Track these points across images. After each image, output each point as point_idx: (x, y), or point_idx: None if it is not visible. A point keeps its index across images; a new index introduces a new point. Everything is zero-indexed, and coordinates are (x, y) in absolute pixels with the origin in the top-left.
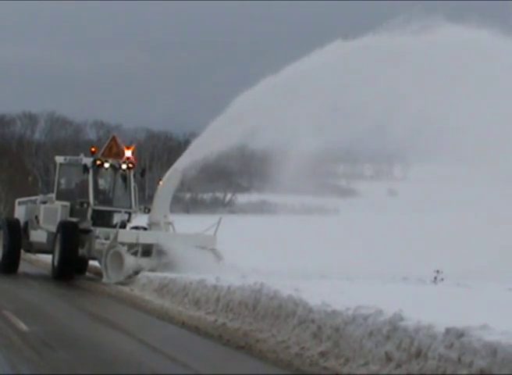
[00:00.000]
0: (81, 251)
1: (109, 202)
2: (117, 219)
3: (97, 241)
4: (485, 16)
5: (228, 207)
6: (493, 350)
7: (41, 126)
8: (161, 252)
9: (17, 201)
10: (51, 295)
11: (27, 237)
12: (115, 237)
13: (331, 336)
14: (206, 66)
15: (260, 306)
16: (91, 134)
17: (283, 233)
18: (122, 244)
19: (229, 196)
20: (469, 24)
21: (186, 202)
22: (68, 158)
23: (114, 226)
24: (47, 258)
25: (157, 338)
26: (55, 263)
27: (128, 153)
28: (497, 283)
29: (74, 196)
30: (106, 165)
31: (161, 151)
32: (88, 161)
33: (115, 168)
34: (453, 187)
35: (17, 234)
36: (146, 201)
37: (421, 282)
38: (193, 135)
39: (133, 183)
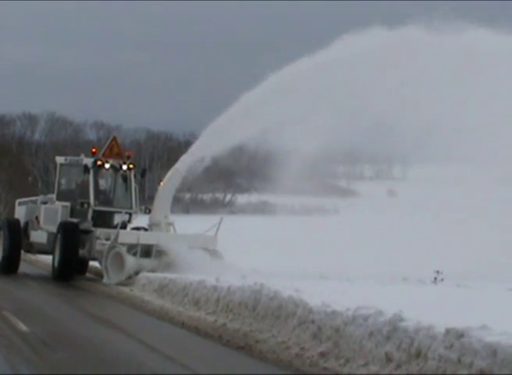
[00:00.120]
0: (81, 252)
1: (110, 203)
2: (118, 219)
3: (98, 241)
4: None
5: (228, 207)
6: (493, 350)
7: (41, 126)
8: (161, 253)
9: (17, 201)
10: (50, 296)
11: (27, 237)
12: (116, 238)
13: (331, 336)
14: (206, 66)
15: (260, 307)
16: (91, 135)
17: (283, 234)
18: (123, 244)
19: (228, 196)
20: (499, 29)
21: (186, 203)
22: (68, 158)
23: (114, 227)
24: (46, 258)
25: (156, 339)
26: (56, 264)
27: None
28: (497, 284)
29: (75, 196)
30: (107, 165)
31: (161, 151)
32: (89, 161)
33: (115, 168)
34: (452, 188)
35: (17, 235)
36: (146, 202)
37: (421, 282)
38: (193, 135)
39: (133, 184)
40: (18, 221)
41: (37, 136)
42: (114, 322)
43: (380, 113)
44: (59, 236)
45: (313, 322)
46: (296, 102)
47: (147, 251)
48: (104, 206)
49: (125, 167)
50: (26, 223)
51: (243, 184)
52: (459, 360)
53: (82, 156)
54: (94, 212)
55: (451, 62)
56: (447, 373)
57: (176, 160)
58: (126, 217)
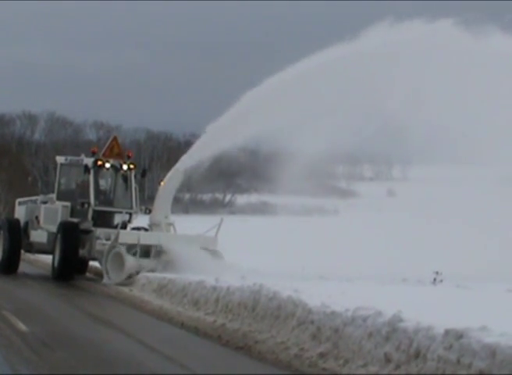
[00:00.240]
0: (82, 252)
1: (110, 203)
2: (118, 219)
3: (98, 241)
4: None
5: (227, 208)
6: (492, 351)
7: (41, 126)
8: (161, 253)
9: (17, 201)
10: (50, 295)
11: (27, 237)
12: (116, 238)
13: (330, 337)
14: (206, 66)
15: (259, 307)
16: (91, 135)
17: (283, 234)
18: (123, 244)
19: (228, 197)
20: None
21: (186, 203)
22: (69, 158)
23: (115, 227)
24: (46, 258)
25: (156, 339)
26: (56, 264)
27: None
28: (497, 285)
29: (75, 196)
30: (107, 165)
31: (161, 151)
32: (89, 161)
33: (116, 168)
34: (452, 189)
35: (17, 234)
36: (146, 202)
37: (421, 283)
38: (193, 135)
39: (134, 184)
40: (18, 221)
41: (36, 136)
42: (113, 322)
43: (389, 114)
44: (59, 236)
45: (312, 322)
46: (300, 103)
47: (147, 252)
48: (105, 206)
49: (125, 167)
50: (26, 223)
51: (243, 185)
52: (458, 361)
53: (82, 156)
54: (95, 212)
55: (474, 65)
56: (446, 373)
57: (175, 160)
58: (127, 217)
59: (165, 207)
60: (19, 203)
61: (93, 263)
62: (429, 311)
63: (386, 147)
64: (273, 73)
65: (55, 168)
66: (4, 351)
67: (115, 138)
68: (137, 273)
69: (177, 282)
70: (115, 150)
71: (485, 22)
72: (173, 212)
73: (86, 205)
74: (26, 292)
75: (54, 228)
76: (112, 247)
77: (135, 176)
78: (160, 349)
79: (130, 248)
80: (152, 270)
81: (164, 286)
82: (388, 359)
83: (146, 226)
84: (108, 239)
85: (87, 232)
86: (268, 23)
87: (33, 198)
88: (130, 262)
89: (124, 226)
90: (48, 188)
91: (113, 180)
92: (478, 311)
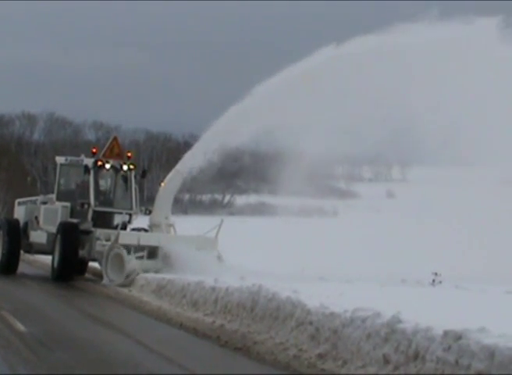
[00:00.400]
0: (81, 253)
1: (110, 203)
2: (118, 220)
3: (98, 242)
4: None
5: (226, 208)
6: (491, 353)
7: (40, 126)
8: (164, 254)
9: (17, 201)
10: (49, 296)
11: (27, 237)
12: (116, 239)
13: (329, 338)
14: (205, 66)
15: (258, 308)
16: (90, 135)
17: (282, 235)
18: (125, 246)
19: (227, 197)
20: None
21: (185, 203)
22: (69, 158)
23: (115, 228)
24: (45, 258)
25: (155, 339)
26: (55, 264)
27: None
28: (496, 286)
29: (75, 197)
30: (107, 166)
31: (161, 152)
32: (89, 162)
33: (116, 169)
34: (452, 190)
35: (17, 235)
36: (145, 203)
37: (420, 284)
38: (193, 136)
39: (134, 185)
40: (17, 221)
41: (36, 136)
42: (112, 322)
43: (396, 116)
44: (59, 236)
45: (311, 323)
46: (304, 103)
47: (152, 253)
48: (105, 207)
49: (125, 168)
50: (26, 223)
51: (242, 185)
52: (457, 362)
53: (82, 156)
54: (94, 212)
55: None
56: (445, 374)
57: (175, 161)
58: (126, 218)
59: (165, 208)
60: (19, 203)
61: (91, 264)
62: (428, 312)
63: (386, 148)
64: (274, 73)
65: (55, 168)
66: (2, 351)
67: (115, 138)
68: (138, 273)
69: (176, 283)
70: (116, 150)
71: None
72: (172, 212)
73: (86, 206)
74: (25, 292)
75: (53, 229)
76: (112, 248)
77: (135, 177)
78: (159, 350)
79: (136, 250)
80: (157, 272)
81: (163, 287)
82: (387, 360)
83: (146, 226)
84: (108, 240)
85: (87, 233)
86: (268, 23)
87: (33, 198)
88: (130, 263)
89: (124, 226)
90: (46, 188)
91: (113, 181)
92: (477, 312)
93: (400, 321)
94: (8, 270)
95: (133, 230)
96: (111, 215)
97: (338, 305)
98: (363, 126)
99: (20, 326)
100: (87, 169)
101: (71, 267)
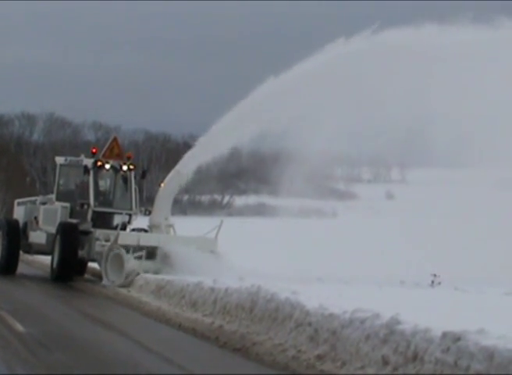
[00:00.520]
0: (81, 253)
1: (110, 204)
2: (117, 220)
3: (97, 242)
4: None
5: (226, 209)
6: (490, 354)
7: (40, 126)
8: (163, 255)
9: (16, 201)
10: (48, 296)
11: (26, 238)
12: (116, 239)
13: (328, 339)
14: (205, 66)
15: (257, 309)
16: (89, 135)
17: (281, 236)
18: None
19: (226, 198)
20: None
21: (184, 204)
22: (68, 159)
23: (114, 228)
24: (44, 259)
25: (153, 340)
26: (54, 265)
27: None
28: (495, 288)
29: (74, 197)
30: (107, 166)
31: (160, 152)
32: (89, 162)
33: (115, 169)
34: (451, 191)
35: (16, 235)
36: (144, 203)
37: (419, 286)
38: (192, 136)
39: (133, 185)
40: (17, 221)
41: (35, 136)
42: (111, 323)
43: (390, 117)
44: (58, 237)
45: (310, 324)
46: (305, 103)
47: (151, 253)
48: (104, 207)
49: (125, 168)
50: (25, 224)
51: (241, 186)
52: (455, 363)
53: (82, 157)
54: (94, 212)
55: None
56: None
57: (174, 161)
58: (126, 218)
59: (164, 208)
60: (18, 204)
61: (90, 264)
62: (427, 313)
63: (392, 149)
64: (275, 73)
65: (54, 168)
66: (1, 352)
67: (115, 139)
68: (138, 273)
69: (175, 283)
70: (115, 151)
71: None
72: (172, 213)
73: (85, 206)
74: (24, 293)
75: (53, 229)
76: (112, 248)
77: (135, 177)
78: (158, 350)
79: (135, 250)
80: (156, 272)
81: (162, 287)
82: (385, 362)
83: (146, 227)
84: (107, 240)
85: (87, 233)
86: (268, 24)
87: (33, 198)
88: (130, 263)
89: (124, 227)
90: (46, 189)
91: (113, 181)
92: (476, 314)
93: (398, 322)
94: (7, 271)
95: (133, 230)
96: (110, 215)
97: (337, 306)
98: (367, 127)
99: (19, 327)
100: (86, 170)
101: (70, 268)
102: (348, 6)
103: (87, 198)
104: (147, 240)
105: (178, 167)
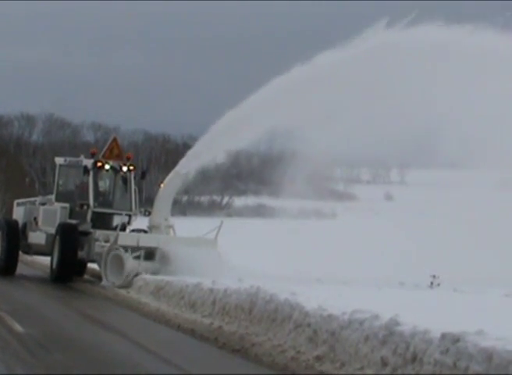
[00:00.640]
0: (80, 254)
1: (109, 204)
2: (117, 221)
3: (97, 243)
4: None
5: (225, 210)
6: (489, 355)
7: (39, 127)
8: (162, 256)
9: (16, 202)
10: (47, 297)
11: (26, 238)
12: (116, 240)
13: (327, 340)
14: (204, 67)
15: (256, 310)
16: (89, 136)
17: (280, 237)
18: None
19: (226, 199)
20: None
21: (184, 205)
22: (68, 159)
23: (114, 229)
24: (43, 259)
25: (152, 341)
26: (54, 266)
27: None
28: (494, 289)
29: (74, 198)
30: (107, 166)
31: (159, 153)
32: (88, 162)
33: (115, 170)
34: (450, 192)
35: (15, 236)
36: (143, 204)
37: (418, 287)
38: (191, 137)
39: (133, 186)
40: (16, 222)
41: (34, 137)
42: (110, 324)
43: (399, 118)
44: (58, 237)
45: (309, 325)
46: (308, 103)
47: (149, 254)
48: (104, 208)
49: (125, 169)
50: (25, 224)
51: (241, 187)
52: (454, 365)
53: (82, 157)
54: (94, 213)
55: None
56: None
57: (173, 162)
58: (126, 219)
59: (164, 209)
60: (18, 204)
61: (90, 265)
62: (426, 315)
63: (385, 149)
64: (276, 74)
65: (54, 169)
66: (0, 352)
67: (114, 139)
68: (138, 273)
69: (174, 284)
70: (115, 151)
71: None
72: (171, 214)
73: (85, 207)
74: (23, 294)
75: (52, 230)
76: (111, 249)
77: (134, 178)
78: (156, 351)
79: (133, 250)
80: (155, 273)
81: (161, 288)
82: (384, 363)
83: (145, 228)
84: (107, 241)
85: (86, 234)
86: (268, 24)
87: (32, 199)
88: (129, 264)
89: (123, 228)
90: (45, 189)
91: (112, 182)
92: (475, 315)
93: (397, 323)
94: (6, 271)
95: (133, 231)
96: (110, 216)
97: (336, 308)
98: (367, 128)
99: (18, 328)
100: (86, 170)
101: (70, 268)
102: (348, 6)
103: (87, 198)
104: (146, 240)
105: (178, 168)
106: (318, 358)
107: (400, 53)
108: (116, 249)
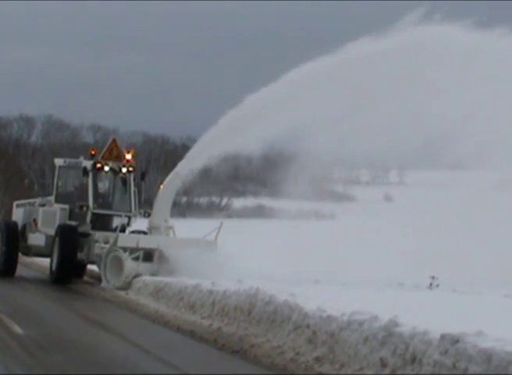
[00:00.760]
0: (80, 255)
1: (109, 206)
2: (116, 222)
3: (97, 244)
4: None
5: (224, 211)
6: (488, 356)
7: (38, 129)
8: (162, 257)
9: (15, 203)
10: (46, 299)
11: (25, 240)
12: (115, 242)
13: (326, 341)
14: (204, 68)
15: (255, 311)
16: (88, 137)
17: (279, 238)
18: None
19: (225, 200)
20: None
21: (183, 206)
22: (67, 160)
23: (113, 230)
24: (43, 261)
25: (152, 342)
26: (53, 267)
27: (128, 156)
28: (493, 290)
29: (73, 199)
30: (106, 168)
31: (158, 154)
32: (88, 164)
33: (115, 171)
34: (449, 193)
35: (15, 237)
36: (142, 205)
37: (417, 288)
38: (190, 139)
39: (132, 187)
40: (15, 223)
41: (33, 138)
42: (109, 325)
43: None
44: (57, 239)
45: (308, 326)
46: (308, 105)
47: (148, 255)
48: (103, 209)
49: (124, 170)
50: (24, 226)
51: (239, 188)
52: (454, 366)
53: (81, 158)
54: (93, 215)
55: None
56: None
57: (173, 164)
58: (125, 220)
59: (164, 210)
60: (17, 206)
61: (90, 266)
62: (425, 316)
63: (384, 150)
64: (274, 74)
65: (53, 170)
66: (0, 353)
67: (114, 140)
68: (136, 276)
69: (173, 285)
70: (115, 152)
71: None
72: (171, 215)
73: (84, 208)
74: (22, 295)
75: (52, 231)
76: (111, 250)
77: (134, 179)
78: (156, 352)
79: (132, 252)
80: (154, 274)
81: (160, 289)
82: (384, 364)
83: (145, 229)
84: (106, 242)
85: (86, 235)
86: (268, 25)
87: (31, 200)
88: (129, 266)
89: (123, 229)
90: (44, 191)
91: (112, 183)
92: (474, 316)
93: (397, 324)
94: (6, 273)
95: (132, 232)
96: (110, 217)
97: (335, 309)
98: (367, 128)
99: (18, 329)
100: (85, 172)
101: (69, 270)
102: (348, 6)
103: (86, 200)
104: (146, 242)
105: (177, 169)
106: (318, 360)
107: (400, 55)
108: (116, 251)
